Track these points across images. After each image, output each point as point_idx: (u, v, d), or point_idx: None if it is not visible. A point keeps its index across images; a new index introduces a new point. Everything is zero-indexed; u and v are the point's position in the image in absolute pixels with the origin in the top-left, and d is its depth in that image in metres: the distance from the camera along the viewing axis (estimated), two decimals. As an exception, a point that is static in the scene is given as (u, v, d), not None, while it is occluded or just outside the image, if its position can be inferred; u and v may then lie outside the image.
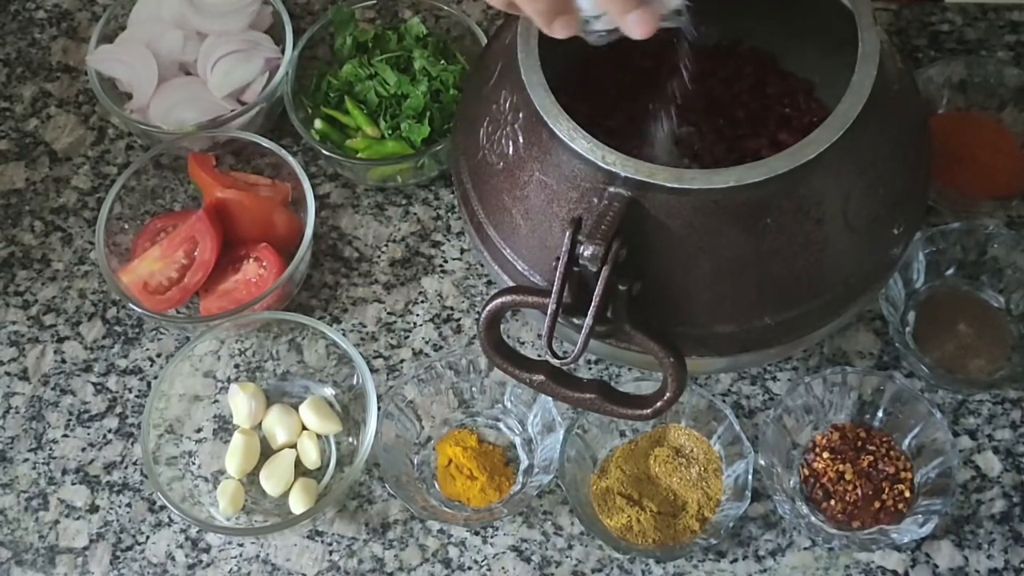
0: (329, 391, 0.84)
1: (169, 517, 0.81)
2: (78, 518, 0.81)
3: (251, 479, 0.81)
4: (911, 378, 0.81)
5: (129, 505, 0.81)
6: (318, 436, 0.82)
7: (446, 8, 0.94)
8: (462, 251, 0.89)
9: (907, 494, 0.76)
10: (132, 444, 0.83)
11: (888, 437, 0.78)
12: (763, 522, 0.78)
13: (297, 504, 0.79)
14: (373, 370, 0.84)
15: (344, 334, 0.84)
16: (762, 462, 0.76)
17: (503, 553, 0.78)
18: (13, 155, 0.96)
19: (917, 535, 0.74)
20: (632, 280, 0.61)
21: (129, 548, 0.80)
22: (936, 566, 0.76)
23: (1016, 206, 0.86)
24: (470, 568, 0.78)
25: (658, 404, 0.64)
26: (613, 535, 0.76)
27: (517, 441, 0.81)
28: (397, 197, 0.92)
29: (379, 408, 0.78)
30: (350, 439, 0.82)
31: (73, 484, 0.82)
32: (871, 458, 0.77)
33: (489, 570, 0.78)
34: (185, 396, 0.82)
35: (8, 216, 0.93)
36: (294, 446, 0.82)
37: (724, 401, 0.79)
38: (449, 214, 0.91)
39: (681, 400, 0.76)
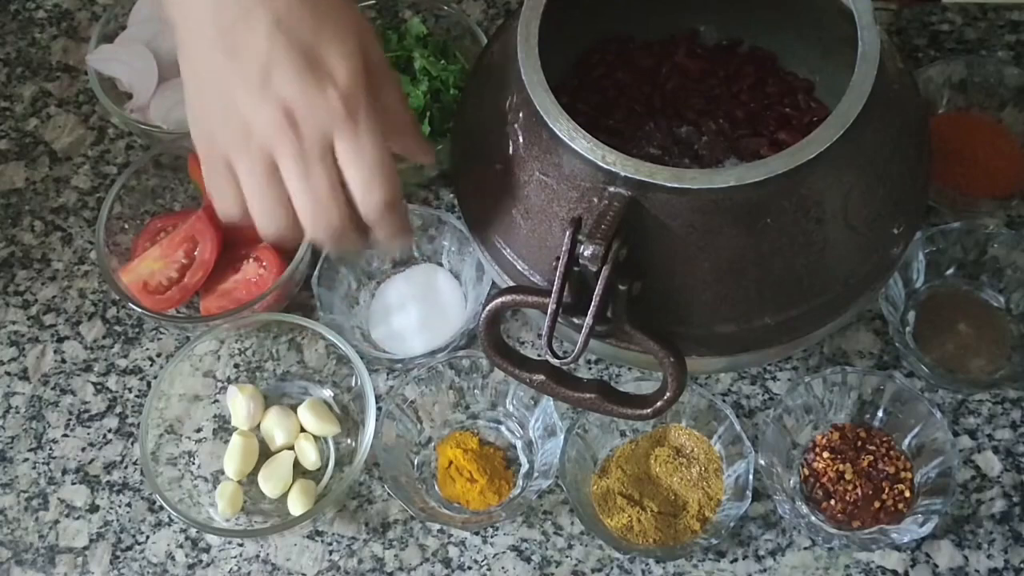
0: (328, 392, 0.84)
1: (169, 517, 0.81)
2: (78, 518, 0.81)
3: (250, 480, 0.81)
4: (911, 378, 0.81)
5: (129, 505, 0.81)
6: (316, 437, 0.82)
7: (446, 8, 0.94)
8: (462, 251, 0.89)
9: (907, 494, 0.76)
10: (132, 444, 0.83)
11: (888, 437, 0.78)
12: (763, 522, 0.78)
13: (296, 505, 0.79)
14: (373, 370, 0.84)
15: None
16: (762, 462, 0.76)
17: (503, 553, 0.78)
18: (13, 155, 0.96)
19: (917, 535, 0.74)
20: (632, 280, 0.61)
21: (129, 548, 0.80)
22: (936, 566, 0.76)
23: (1016, 206, 0.86)
24: (470, 568, 0.78)
25: (658, 404, 0.64)
26: (613, 535, 0.76)
27: (518, 444, 0.81)
28: (397, 197, 0.92)
29: (379, 409, 0.78)
30: (349, 440, 0.82)
31: (73, 484, 0.82)
32: (871, 458, 0.77)
33: (489, 570, 0.78)
34: (185, 396, 0.82)
35: (8, 216, 0.93)
36: (292, 447, 0.82)
37: (724, 401, 0.79)
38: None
39: (681, 400, 0.76)
